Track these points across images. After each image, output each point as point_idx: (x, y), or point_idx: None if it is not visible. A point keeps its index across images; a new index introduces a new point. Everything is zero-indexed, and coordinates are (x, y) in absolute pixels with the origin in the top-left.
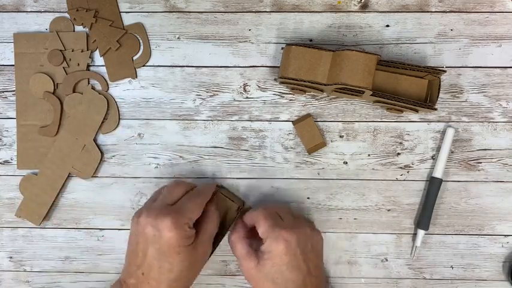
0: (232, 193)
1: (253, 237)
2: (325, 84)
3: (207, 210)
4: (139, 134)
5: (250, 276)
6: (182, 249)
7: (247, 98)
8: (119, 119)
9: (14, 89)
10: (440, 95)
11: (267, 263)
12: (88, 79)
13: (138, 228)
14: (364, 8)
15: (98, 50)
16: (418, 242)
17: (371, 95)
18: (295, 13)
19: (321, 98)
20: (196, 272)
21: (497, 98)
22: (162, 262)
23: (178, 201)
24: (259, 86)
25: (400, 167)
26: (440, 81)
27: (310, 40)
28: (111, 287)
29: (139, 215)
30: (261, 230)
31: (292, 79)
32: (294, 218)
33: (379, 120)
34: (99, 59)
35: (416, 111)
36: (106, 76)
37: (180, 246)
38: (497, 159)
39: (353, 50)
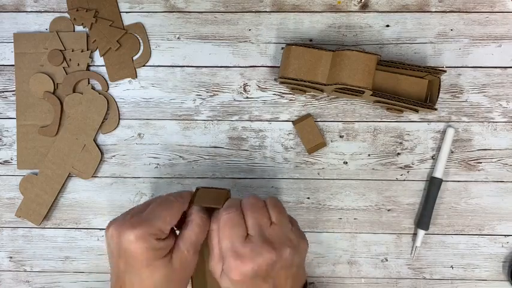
0: (215, 187)
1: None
2: (325, 84)
3: (189, 214)
4: (139, 134)
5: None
6: (151, 262)
7: (247, 98)
8: (119, 119)
9: (14, 89)
10: (440, 95)
11: (224, 281)
12: (88, 79)
13: (107, 241)
14: (364, 8)
15: (98, 50)
16: (418, 242)
17: (371, 95)
18: (295, 13)
19: (321, 98)
20: (178, 286)
21: (497, 98)
22: (131, 276)
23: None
24: (259, 86)
25: (400, 167)
26: (440, 81)
27: (310, 40)
28: None
29: (109, 226)
30: (225, 245)
31: (292, 79)
32: (281, 226)
33: (379, 120)
34: (99, 59)
35: (417, 111)
36: (106, 76)
37: (149, 259)
38: (497, 159)
39: (353, 50)
